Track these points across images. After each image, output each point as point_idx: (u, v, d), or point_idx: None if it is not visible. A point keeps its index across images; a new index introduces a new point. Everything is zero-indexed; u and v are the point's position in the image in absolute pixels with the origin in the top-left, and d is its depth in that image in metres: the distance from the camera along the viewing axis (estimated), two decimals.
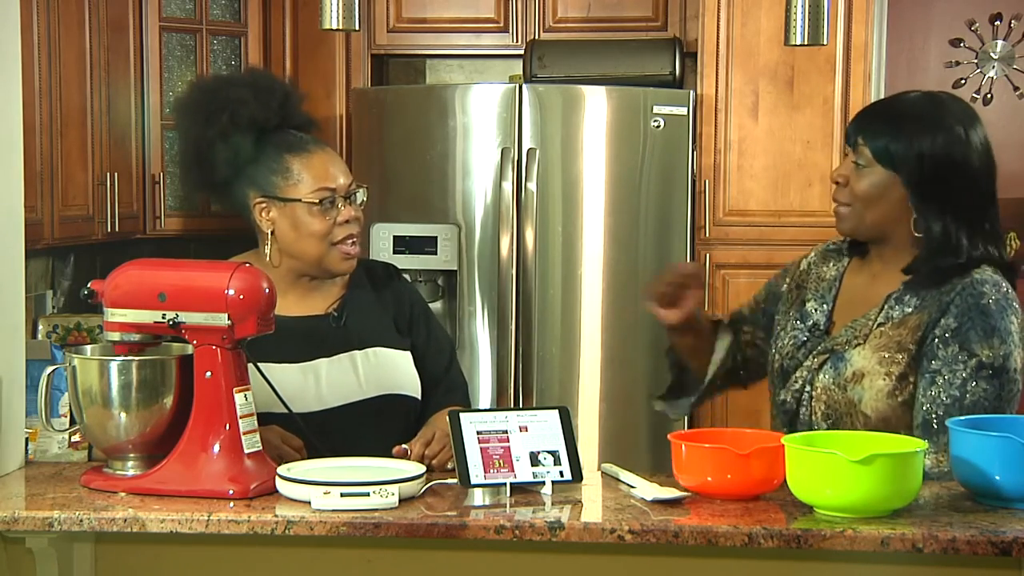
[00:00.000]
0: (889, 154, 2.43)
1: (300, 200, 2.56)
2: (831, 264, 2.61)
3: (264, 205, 2.58)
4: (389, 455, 2.40)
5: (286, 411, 2.40)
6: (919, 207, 2.43)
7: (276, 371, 2.46)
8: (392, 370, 2.64)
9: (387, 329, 2.68)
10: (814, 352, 2.51)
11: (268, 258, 2.59)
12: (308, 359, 2.58)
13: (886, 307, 2.45)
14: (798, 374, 2.51)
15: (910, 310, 2.43)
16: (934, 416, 2.35)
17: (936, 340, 2.38)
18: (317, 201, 2.55)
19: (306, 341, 2.59)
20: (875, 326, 2.45)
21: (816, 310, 2.56)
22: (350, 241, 2.59)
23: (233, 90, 2.62)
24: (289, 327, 2.55)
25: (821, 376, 2.47)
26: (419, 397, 2.67)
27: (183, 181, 2.87)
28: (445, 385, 2.72)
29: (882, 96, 4.78)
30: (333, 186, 2.57)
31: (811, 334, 2.54)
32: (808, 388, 2.49)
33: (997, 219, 2.48)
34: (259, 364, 2.34)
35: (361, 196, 2.63)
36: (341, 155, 4.55)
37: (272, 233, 2.59)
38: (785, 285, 2.67)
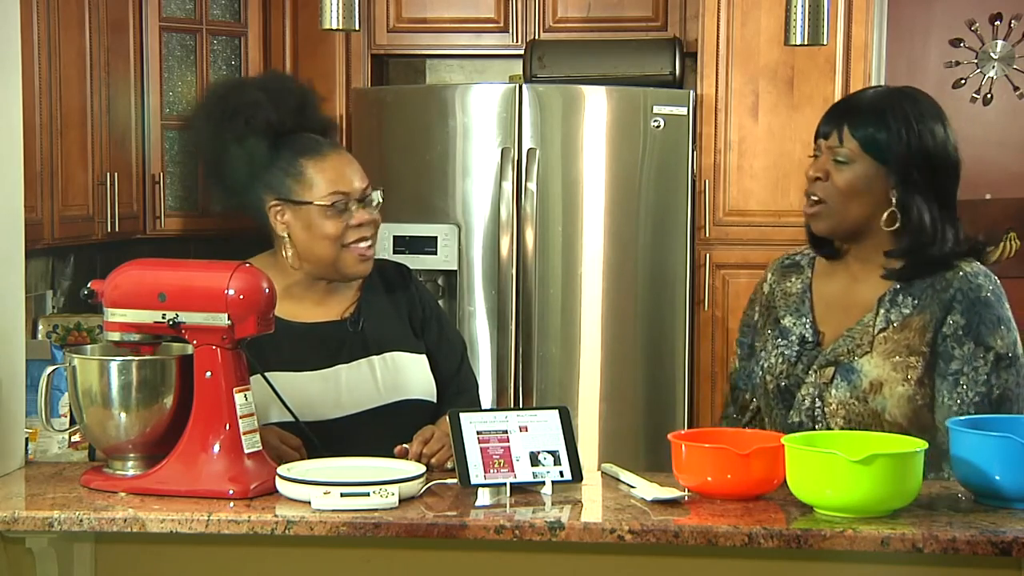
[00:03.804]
0: (877, 144, 2.40)
1: (312, 203, 2.55)
2: (793, 279, 2.58)
3: (279, 208, 2.57)
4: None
5: (293, 419, 2.40)
6: (905, 197, 2.41)
7: (296, 379, 2.46)
8: (409, 374, 2.64)
9: (403, 333, 2.67)
10: (813, 366, 2.48)
11: (288, 261, 2.58)
12: (327, 366, 2.58)
13: (882, 311, 2.43)
14: (804, 392, 2.48)
15: (908, 311, 2.42)
16: (959, 414, 2.33)
17: (949, 340, 2.38)
18: (329, 204, 2.55)
19: (324, 348, 2.58)
20: (877, 332, 2.43)
21: (796, 324, 2.53)
22: (364, 244, 2.58)
23: (247, 93, 2.62)
24: (307, 333, 2.56)
25: (834, 391, 2.44)
26: (435, 400, 2.66)
27: (210, 188, 2.82)
28: (455, 386, 2.72)
29: None
30: (346, 190, 2.56)
31: (801, 348, 2.50)
32: (819, 404, 2.46)
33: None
34: (276, 372, 2.34)
35: (377, 199, 2.61)
36: None
37: (288, 236, 2.59)
38: (756, 314, 2.63)
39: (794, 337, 2.52)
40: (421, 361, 2.66)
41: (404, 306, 2.71)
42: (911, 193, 2.41)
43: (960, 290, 2.39)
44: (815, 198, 2.46)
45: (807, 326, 2.51)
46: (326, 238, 2.55)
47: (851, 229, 2.46)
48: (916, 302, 2.42)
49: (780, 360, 2.52)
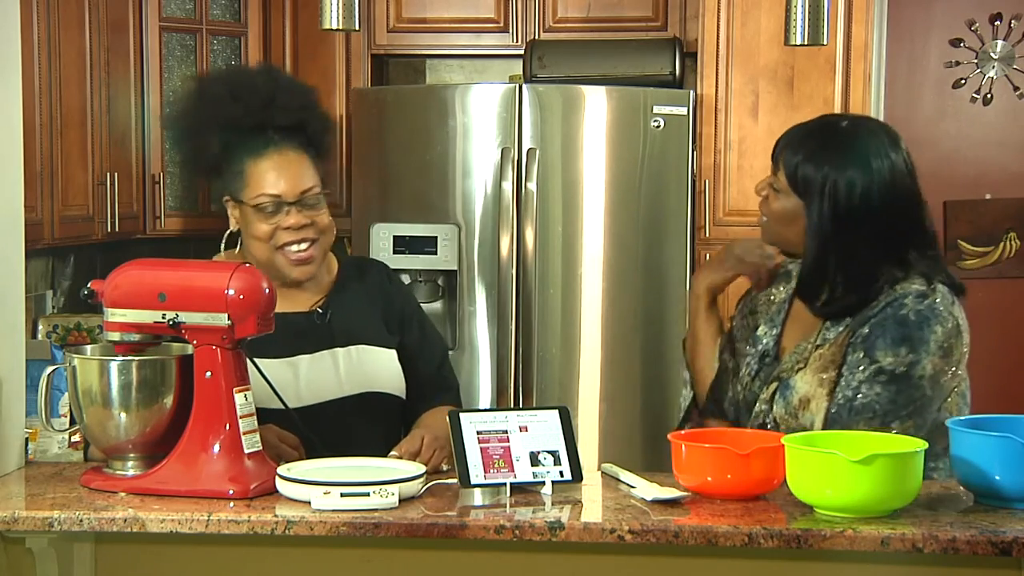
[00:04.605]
0: (797, 183, 2.43)
1: (245, 203, 2.57)
2: (781, 287, 2.59)
3: (231, 204, 2.61)
4: (370, 452, 2.38)
5: (281, 407, 2.40)
6: (809, 237, 2.42)
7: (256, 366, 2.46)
8: (374, 368, 2.63)
9: (374, 327, 2.67)
10: (767, 382, 2.49)
11: (238, 254, 2.61)
12: (289, 355, 2.58)
13: (823, 329, 2.45)
14: (757, 408, 2.49)
15: (841, 328, 2.43)
16: (827, 414, 2.36)
17: (849, 348, 2.39)
18: (256, 206, 2.55)
19: (289, 337, 2.57)
20: (814, 349, 2.44)
21: (766, 334, 2.54)
22: (296, 246, 2.56)
23: (213, 87, 2.65)
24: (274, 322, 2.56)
25: (775, 407, 2.45)
26: (403, 396, 2.67)
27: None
28: (437, 385, 2.72)
29: (882, 97, 4.78)
30: (274, 192, 2.54)
31: (761, 362, 2.53)
32: (768, 421, 2.46)
33: (928, 245, 2.46)
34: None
35: (315, 201, 2.57)
36: (341, 155, 4.55)
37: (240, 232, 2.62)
38: (739, 316, 2.65)
39: (760, 347, 2.54)
40: (390, 355, 2.66)
41: (379, 302, 2.71)
42: (815, 235, 2.41)
43: (882, 308, 2.38)
44: (760, 211, 2.53)
45: (773, 338, 2.53)
46: (257, 238, 2.57)
47: (790, 250, 2.52)
48: (849, 320, 2.42)
49: (747, 371, 2.54)
